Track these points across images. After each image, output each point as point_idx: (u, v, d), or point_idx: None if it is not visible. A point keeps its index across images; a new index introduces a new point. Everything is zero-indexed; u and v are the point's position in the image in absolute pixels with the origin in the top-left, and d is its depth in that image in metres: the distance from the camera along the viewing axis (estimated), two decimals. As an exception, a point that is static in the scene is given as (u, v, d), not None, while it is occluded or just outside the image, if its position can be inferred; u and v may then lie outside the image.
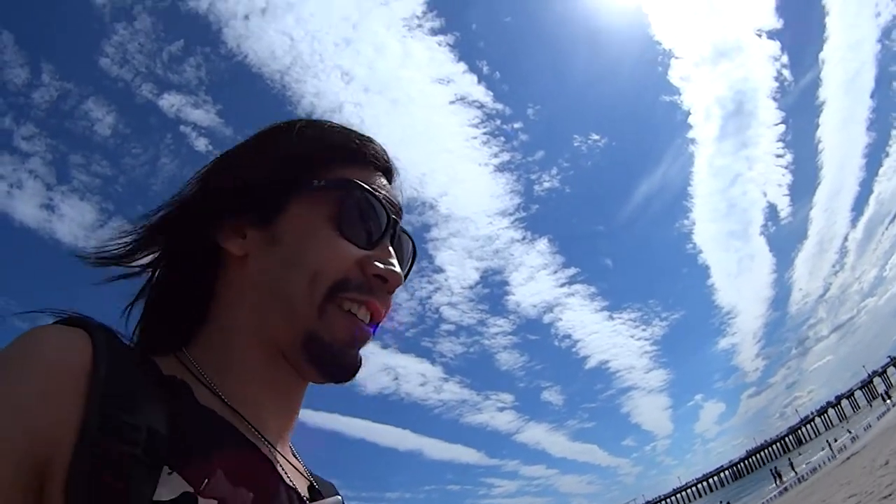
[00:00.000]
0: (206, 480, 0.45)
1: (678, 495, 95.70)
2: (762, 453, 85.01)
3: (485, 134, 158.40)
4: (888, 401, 49.08)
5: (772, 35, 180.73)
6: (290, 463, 0.61)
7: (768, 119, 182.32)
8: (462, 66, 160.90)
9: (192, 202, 0.64)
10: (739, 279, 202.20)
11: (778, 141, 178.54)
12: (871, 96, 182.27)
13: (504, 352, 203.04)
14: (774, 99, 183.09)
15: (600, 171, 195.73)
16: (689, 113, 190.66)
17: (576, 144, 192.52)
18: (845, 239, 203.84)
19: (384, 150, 0.71)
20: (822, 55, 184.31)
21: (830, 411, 77.38)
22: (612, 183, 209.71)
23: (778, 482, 38.40)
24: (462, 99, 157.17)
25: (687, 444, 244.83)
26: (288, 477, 0.57)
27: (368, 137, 0.69)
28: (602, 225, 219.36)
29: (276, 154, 0.65)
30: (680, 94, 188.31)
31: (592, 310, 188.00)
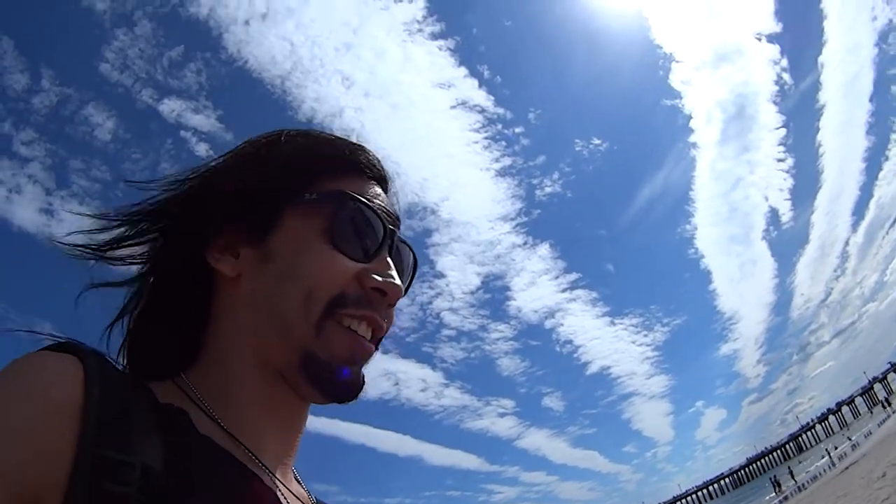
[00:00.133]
0: None
1: (679, 503, 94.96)
2: (763, 461, 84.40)
3: (486, 138, 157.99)
4: (888, 407, 48.58)
5: (771, 39, 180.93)
6: (291, 492, 0.59)
7: (769, 123, 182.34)
8: (463, 70, 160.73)
9: (177, 220, 0.61)
10: (741, 284, 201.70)
11: (779, 145, 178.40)
12: (870, 100, 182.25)
13: (505, 357, 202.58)
14: (775, 103, 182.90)
15: (602, 175, 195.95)
16: (690, 117, 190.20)
17: (577, 149, 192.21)
18: (846, 243, 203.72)
19: (378, 159, 0.68)
20: (821, 59, 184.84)
21: (831, 418, 76.90)
22: (614, 187, 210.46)
23: (777, 491, 37.97)
24: (463, 103, 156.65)
25: (688, 451, 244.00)
26: None
27: (361, 146, 0.67)
28: (604, 230, 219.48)
29: (265, 167, 0.62)
30: (681, 98, 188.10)
31: (594, 315, 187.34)
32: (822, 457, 41.31)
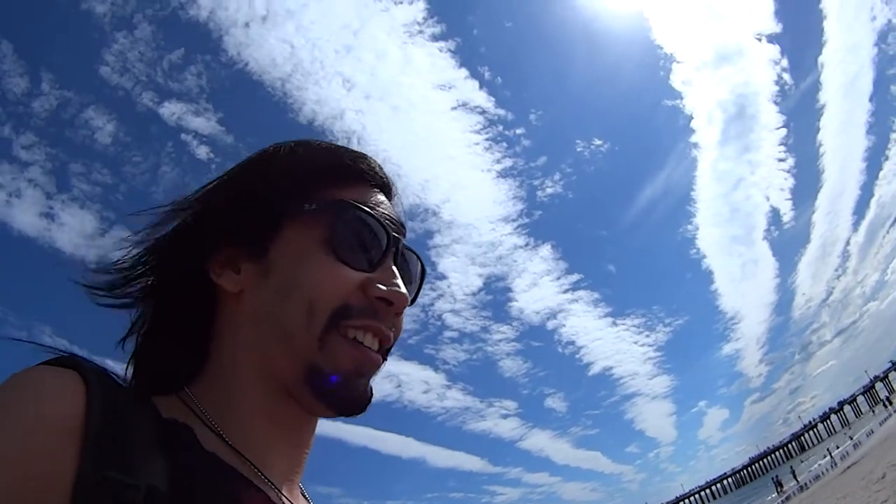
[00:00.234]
0: None
1: (682, 503, 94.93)
2: (765, 460, 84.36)
3: (487, 140, 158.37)
4: (890, 406, 48.64)
5: (772, 39, 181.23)
6: None
7: (770, 123, 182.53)
8: (463, 71, 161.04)
9: (180, 237, 0.61)
10: (743, 284, 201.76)
11: (780, 145, 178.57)
12: (870, 100, 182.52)
13: (507, 358, 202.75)
14: (775, 103, 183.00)
15: (603, 176, 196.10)
16: (691, 117, 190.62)
17: (578, 149, 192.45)
18: (847, 243, 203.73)
19: (380, 166, 0.67)
20: (821, 59, 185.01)
21: (833, 417, 76.97)
22: (615, 188, 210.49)
23: (779, 491, 38.04)
24: (464, 105, 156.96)
25: (691, 451, 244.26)
26: None
27: (362, 154, 0.66)
28: (605, 230, 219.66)
29: (264, 181, 0.62)
30: (682, 99, 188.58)
31: (596, 316, 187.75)
32: (824, 456, 41.36)
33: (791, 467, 45.86)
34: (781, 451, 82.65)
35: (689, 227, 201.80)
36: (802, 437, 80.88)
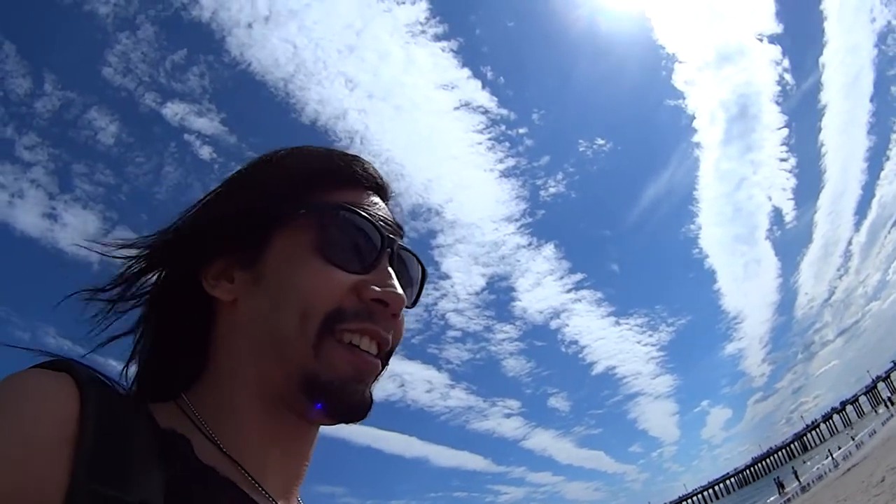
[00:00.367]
0: None
1: (685, 503, 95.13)
2: (768, 460, 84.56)
3: (490, 139, 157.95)
4: (892, 406, 48.85)
5: (773, 39, 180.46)
6: None
7: (772, 123, 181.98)
8: (466, 71, 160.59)
9: (174, 253, 0.61)
10: (746, 284, 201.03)
11: (782, 145, 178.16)
12: (871, 100, 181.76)
13: (510, 358, 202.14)
14: (777, 103, 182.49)
15: (606, 175, 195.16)
16: (693, 117, 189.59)
17: (581, 149, 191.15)
18: (849, 243, 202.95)
19: (374, 168, 0.66)
20: (822, 59, 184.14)
21: (835, 417, 77.09)
22: (618, 188, 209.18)
23: (781, 492, 38.31)
24: (466, 105, 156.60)
25: (694, 451, 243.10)
26: None
27: (354, 156, 0.65)
28: (608, 230, 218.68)
29: (254, 189, 0.62)
30: (684, 99, 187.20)
31: (599, 315, 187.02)
32: (826, 457, 41.59)
33: (793, 467, 46.13)
34: (784, 450, 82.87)
35: (692, 226, 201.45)
36: (805, 437, 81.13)
